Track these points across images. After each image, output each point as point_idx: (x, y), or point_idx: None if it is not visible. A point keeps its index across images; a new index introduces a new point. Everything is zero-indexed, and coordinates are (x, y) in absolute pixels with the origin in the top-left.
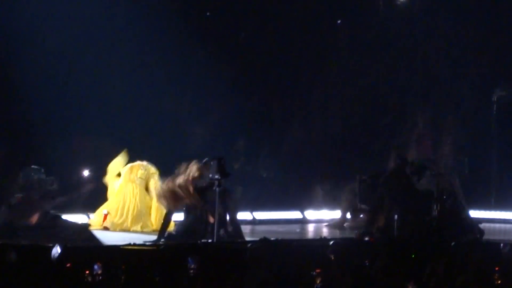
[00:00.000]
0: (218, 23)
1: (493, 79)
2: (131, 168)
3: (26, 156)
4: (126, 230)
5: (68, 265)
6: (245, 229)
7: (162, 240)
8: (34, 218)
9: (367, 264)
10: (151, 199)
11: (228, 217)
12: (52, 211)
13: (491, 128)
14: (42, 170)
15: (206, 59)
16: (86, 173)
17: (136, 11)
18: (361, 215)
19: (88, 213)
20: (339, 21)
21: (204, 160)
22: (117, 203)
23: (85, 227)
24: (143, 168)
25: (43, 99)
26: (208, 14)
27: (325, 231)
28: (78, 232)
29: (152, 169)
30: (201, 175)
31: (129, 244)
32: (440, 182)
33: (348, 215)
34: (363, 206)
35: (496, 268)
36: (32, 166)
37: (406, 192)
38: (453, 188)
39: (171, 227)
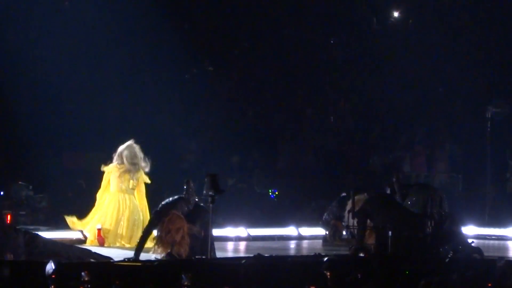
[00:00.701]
0: (214, 40)
1: (487, 95)
2: (120, 176)
3: (17, 172)
4: (121, 243)
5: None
6: (240, 245)
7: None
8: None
9: (362, 280)
10: (141, 208)
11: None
12: (32, 230)
13: (485, 144)
14: (30, 187)
15: (201, 75)
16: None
17: (130, 27)
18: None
19: (83, 230)
20: (332, 41)
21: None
22: (111, 214)
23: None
24: (132, 176)
25: (35, 115)
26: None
27: (319, 248)
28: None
29: (139, 173)
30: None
31: (123, 260)
32: (433, 199)
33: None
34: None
35: (489, 285)
36: (20, 183)
37: (399, 209)
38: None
39: (150, 242)
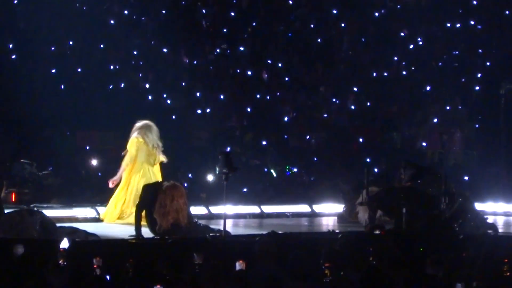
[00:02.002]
0: (227, 18)
1: (501, 72)
2: (148, 150)
3: (32, 151)
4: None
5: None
6: (253, 222)
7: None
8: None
9: (376, 257)
10: None
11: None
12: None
13: (499, 121)
14: (34, 165)
15: (213, 53)
16: (94, 162)
17: (145, 6)
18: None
19: (96, 207)
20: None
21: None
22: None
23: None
24: (158, 152)
25: (50, 94)
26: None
27: (333, 225)
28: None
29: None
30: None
31: (138, 238)
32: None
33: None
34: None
35: (505, 260)
36: (22, 161)
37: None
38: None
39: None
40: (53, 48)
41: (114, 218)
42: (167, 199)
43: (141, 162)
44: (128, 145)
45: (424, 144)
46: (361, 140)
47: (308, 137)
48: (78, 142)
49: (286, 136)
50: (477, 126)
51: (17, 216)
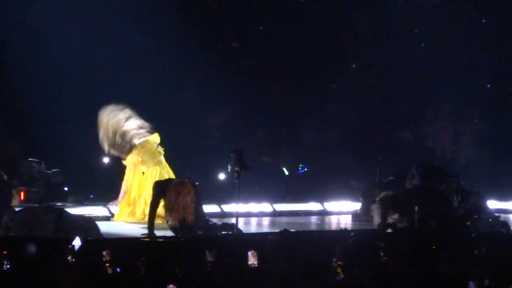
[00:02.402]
0: (239, 15)
1: None
2: (141, 152)
3: (42, 149)
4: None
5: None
6: (266, 221)
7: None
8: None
9: (388, 255)
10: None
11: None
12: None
13: (511, 118)
14: (43, 163)
15: (226, 50)
16: (106, 160)
17: (157, 4)
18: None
19: (108, 205)
20: (357, 16)
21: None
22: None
23: (90, 219)
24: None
25: (61, 92)
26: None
27: (346, 223)
28: (83, 225)
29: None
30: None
31: (150, 236)
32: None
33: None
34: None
35: None
36: (30, 159)
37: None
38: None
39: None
40: (64, 46)
41: (126, 216)
42: (173, 196)
43: (151, 165)
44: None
45: (435, 141)
46: (372, 138)
47: (320, 135)
48: (90, 141)
49: (298, 134)
50: (488, 123)
51: (31, 214)
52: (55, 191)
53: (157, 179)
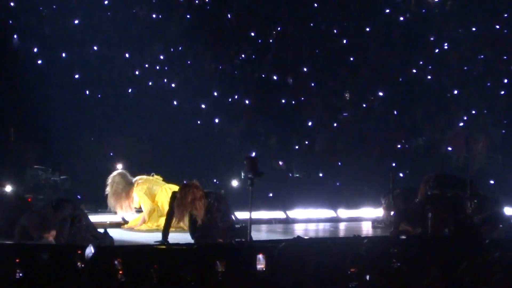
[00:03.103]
0: (252, 23)
1: None
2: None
3: (59, 156)
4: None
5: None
6: (279, 228)
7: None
8: (52, 235)
9: (402, 261)
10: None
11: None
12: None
13: None
14: (50, 170)
15: (238, 58)
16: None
17: (168, 11)
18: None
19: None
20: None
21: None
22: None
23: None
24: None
25: (77, 101)
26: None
27: (358, 230)
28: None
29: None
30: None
31: (163, 244)
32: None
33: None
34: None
35: None
36: (36, 166)
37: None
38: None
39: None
40: (77, 53)
41: (138, 224)
42: (183, 192)
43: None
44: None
45: (449, 148)
46: (386, 145)
47: (333, 141)
48: (105, 149)
49: (311, 141)
50: (502, 130)
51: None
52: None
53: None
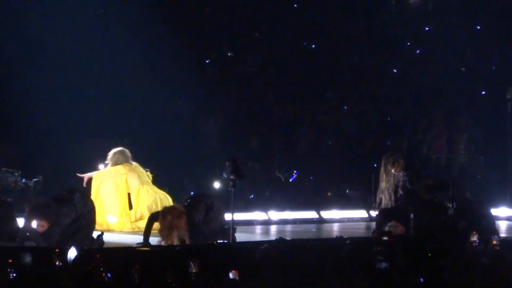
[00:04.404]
0: (233, 24)
1: (508, 76)
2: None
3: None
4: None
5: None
6: (261, 229)
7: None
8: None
9: (384, 263)
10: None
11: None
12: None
13: (505, 125)
14: (19, 173)
15: (220, 59)
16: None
17: (150, 11)
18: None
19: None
20: (350, 25)
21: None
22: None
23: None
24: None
25: (58, 103)
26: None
27: (341, 231)
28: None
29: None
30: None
31: (145, 246)
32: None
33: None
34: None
35: None
36: (4, 169)
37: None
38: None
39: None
40: (60, 55)
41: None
42: (165, 221)
43: (139, 185)
44: (112, 171)
45: (430, 149)
46: (368, 145)
47: (315, 142)
48: (84, 151)
49: (293, 142)
50: (483, 131)
51: (54, 203)
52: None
53: (148, 195)
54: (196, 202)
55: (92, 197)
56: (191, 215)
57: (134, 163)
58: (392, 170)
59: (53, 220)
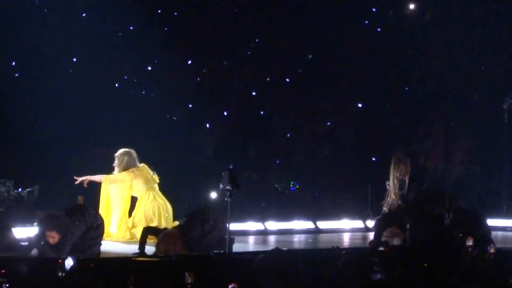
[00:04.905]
0: (229, 34)
1: (504, 87)
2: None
3: (41, 168)
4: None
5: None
6: (257, 239)
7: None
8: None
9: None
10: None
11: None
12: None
13: (502, 136)
14: (11, 183)
15: (218, 68)
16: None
17: (146, 22)
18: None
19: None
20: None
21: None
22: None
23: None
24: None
25: (55, 113)
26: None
27: (337, 241)
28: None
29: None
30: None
31: (141, 255)
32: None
33: None
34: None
35: None
36: None
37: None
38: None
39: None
40: (58, 64)
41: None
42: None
43: (143, 192)
44: (118, 178)
45: (426, 159)
46: (364, 155)
47: (312, 152)
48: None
49: (290, 152)
50: (480, 141)
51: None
52: (27, 211)
53: (148, 203)
54: (190, 222)
55: (102, 204)
56: (186, 237)
57: (141, 164)
58: (397, 174)
59: (65, 231)
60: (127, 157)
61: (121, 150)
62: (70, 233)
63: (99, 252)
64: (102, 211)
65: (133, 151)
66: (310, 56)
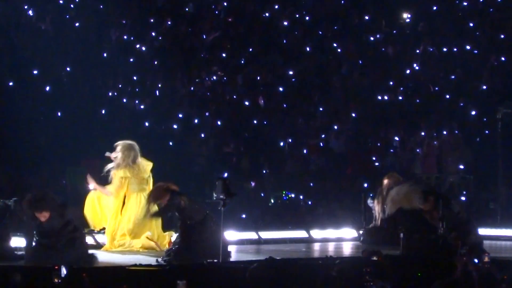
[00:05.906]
0: (223, 44)
1: (498, 96)
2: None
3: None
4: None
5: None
6: (251, 248)
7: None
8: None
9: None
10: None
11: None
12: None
13: (496, 145)
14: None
15: (211, 79)
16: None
17: (139, 31)
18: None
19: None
20: (340, 47)
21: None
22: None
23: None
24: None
25: (51, 124)
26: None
27: (331, 250)
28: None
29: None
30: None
31: (135, 265)
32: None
33: None
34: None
35: (505, 277)
36: None
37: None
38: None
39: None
40: (51, 75)
41: (114, 246)
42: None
43: (135, 192)
44: (114, 179)
45: (420, 168)
46: (358, 165)
47: (305, 162)
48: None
49: (283, 162)
50: (474, 150)
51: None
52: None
53: (136, 206)
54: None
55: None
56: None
57: (140, 159)
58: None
59: (53, 206)
60: (133, 153)
61: (124, 143)
62: (58, 210)
63: (92, 261)
64: (100, 220)
65: (135, 143)
66: (303, 65)
